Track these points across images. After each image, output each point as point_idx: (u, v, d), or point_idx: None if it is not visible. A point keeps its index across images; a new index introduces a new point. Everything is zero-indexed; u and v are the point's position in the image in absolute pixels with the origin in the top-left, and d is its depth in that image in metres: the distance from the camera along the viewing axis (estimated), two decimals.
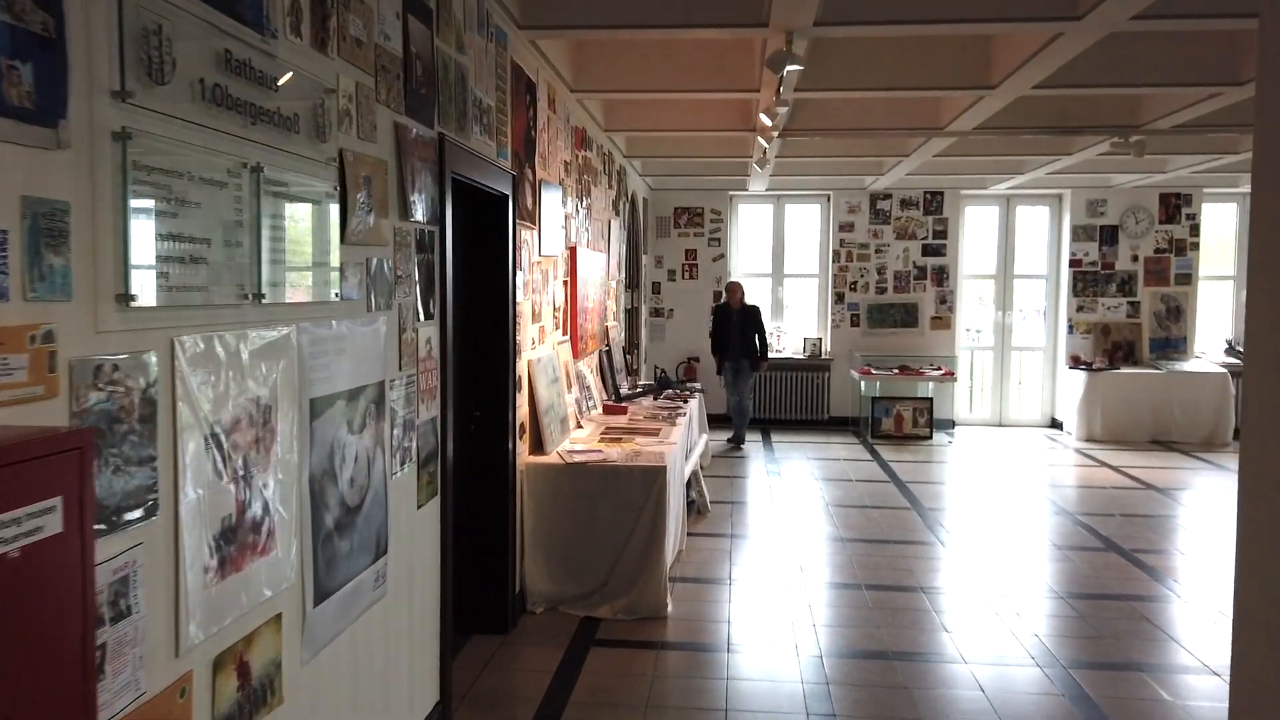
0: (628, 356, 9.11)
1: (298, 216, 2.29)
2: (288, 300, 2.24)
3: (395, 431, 2.97)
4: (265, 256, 2.09)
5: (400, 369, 3.02)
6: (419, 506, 3.23)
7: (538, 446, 4.94)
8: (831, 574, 5.51)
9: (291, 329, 2.25)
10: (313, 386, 2.37)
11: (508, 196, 4.34)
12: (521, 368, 4.70)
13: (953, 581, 5.38)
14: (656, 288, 11.48)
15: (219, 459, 1.94)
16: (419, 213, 3.15)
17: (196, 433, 1.86)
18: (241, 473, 2.03)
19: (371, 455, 2.76)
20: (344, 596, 2.59)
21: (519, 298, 4.58)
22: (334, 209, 2.47)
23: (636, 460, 4.87)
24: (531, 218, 4.88)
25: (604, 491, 4.73)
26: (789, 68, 4.45)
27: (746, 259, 11.69)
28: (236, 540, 2.02)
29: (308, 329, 2.33)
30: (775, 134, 6.46)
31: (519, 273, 4.58)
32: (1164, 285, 10.97)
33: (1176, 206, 10.90)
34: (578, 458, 4.85)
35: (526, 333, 4.81)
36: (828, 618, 4.79)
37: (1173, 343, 10.93)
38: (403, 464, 3.05)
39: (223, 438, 1.95)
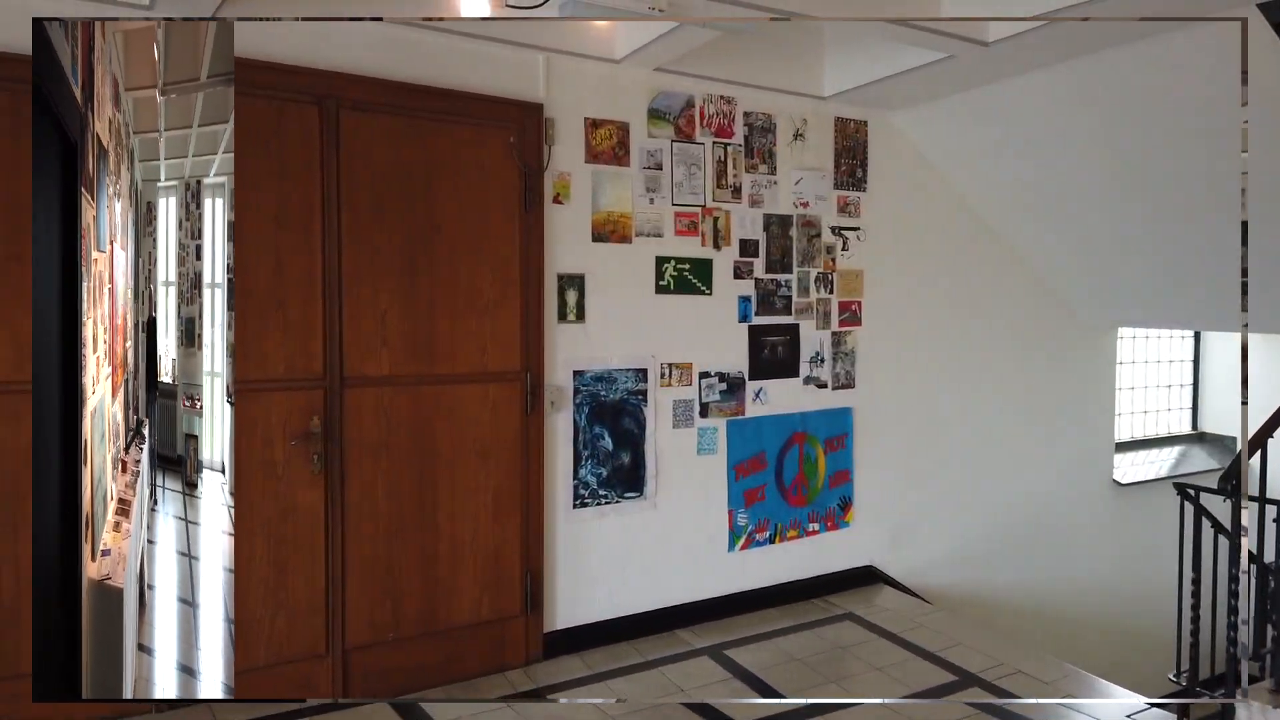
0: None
1: None
2: None
3: None
4: None
5: None
6: None
7: (93, 552, 3.11)
8: None
9: None
10: None
11: (75, 145, 2.61)
12: (87, 427, 2.89)
13: None
14: None
15: None
16: None
17: None
18: None
19: None
20: None
21: (84, 316, 2.81)
22: None
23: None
24: (91, 188, 3.09)
25: None
26: None
27: None
28: None
29: None
30: None
31: (84, 274, 2.82)
32: None
33: None
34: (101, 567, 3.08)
35: (89, 370, 3.00)
36: None
37: None
38: None
39: None
